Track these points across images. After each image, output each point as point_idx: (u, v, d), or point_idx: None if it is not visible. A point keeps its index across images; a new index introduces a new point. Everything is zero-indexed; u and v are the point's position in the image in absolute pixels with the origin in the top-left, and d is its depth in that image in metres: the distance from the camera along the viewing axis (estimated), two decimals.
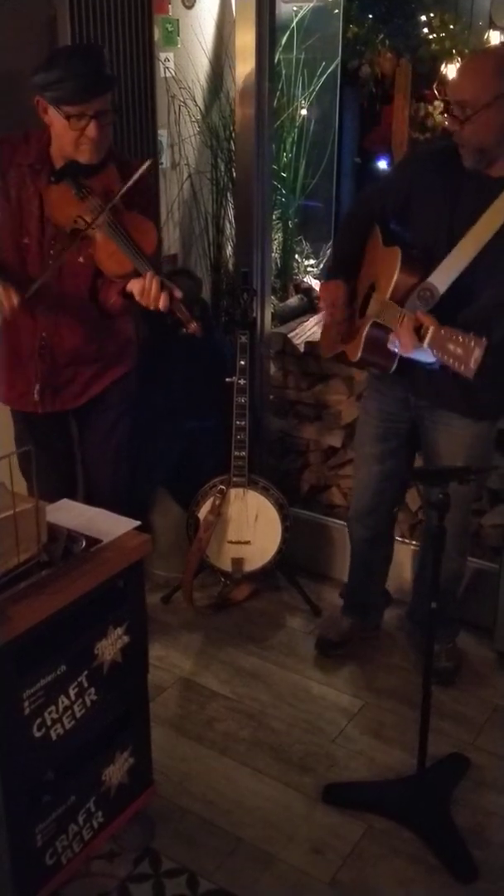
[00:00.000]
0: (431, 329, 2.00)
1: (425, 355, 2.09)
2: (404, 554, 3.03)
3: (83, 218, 2.24)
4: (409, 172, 2.46)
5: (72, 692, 1.82)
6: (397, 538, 3.08)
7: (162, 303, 2.18)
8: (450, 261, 2.21)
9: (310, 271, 3.96)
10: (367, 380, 2.71)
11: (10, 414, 2.61)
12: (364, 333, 2.34)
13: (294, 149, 3.80)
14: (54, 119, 2.23)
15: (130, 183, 2.21)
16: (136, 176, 2.21)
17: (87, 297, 2.41)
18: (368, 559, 2.85)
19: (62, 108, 2.19)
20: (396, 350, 2.11)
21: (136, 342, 2.66)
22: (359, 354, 2.38)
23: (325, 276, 2.53)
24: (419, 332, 2.03)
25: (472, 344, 1.93)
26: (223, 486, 3.00)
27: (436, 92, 3.94)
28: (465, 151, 2.20)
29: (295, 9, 3.73)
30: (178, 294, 2.20)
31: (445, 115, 2.21)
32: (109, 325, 2.49)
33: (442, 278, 2.22)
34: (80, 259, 2.33)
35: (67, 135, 2.22)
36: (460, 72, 2.19)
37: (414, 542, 3.07)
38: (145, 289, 2.19)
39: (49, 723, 1.78)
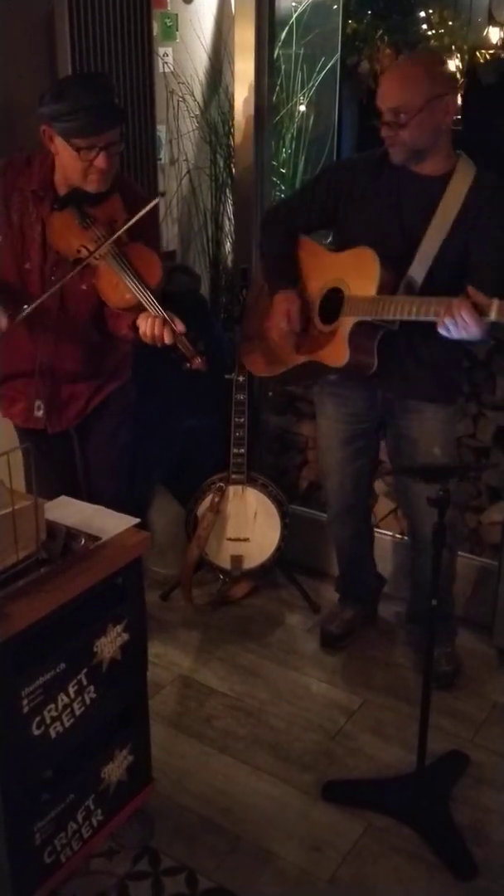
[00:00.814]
0: (496, 302, 2.04)
1: (479, 332, 2.10)
2: (404, 551, 3.02)
3: (86, 247, 2.22)
4: (333, 182, 2.45)
5: (71, 690, 1.82)
6: (396, 535, 3.09)
7: (167, 338, 2.15)
8: (421, 254, 2.29)
9: None
10: (319, 388, 2.67)
11: (14, 428, 2.60)
12: (347, 335, 2.34)
13: (293, 144, 3.79)
14: (61, 149, 2.18)
15: (135, 219, 2.18)
16: (140, 214, 2.17)
17: (88, 323, 2.39)
18: (355, 554, 2.89)
19: (72, 141, 2.14)
20: (448, 334, 2.12)
21: (133, 353, 2.64)
22: (346, 358, 2.35)
23: (269, 293, 2.55)
24: (478, 307, 2.06)
25: None
26: (222, 484, 2.99)
27: None
28: (398, 150, 2.28)
29: (294, 4, 3.72)
30: (181, 328, 2.16)
31: (381, 123, 2.27)
32: (109, 344, 2.47)
33: (418, 271, 2.30)
34: (83, 287, 2.31)
35: (75, 166, 2.18)
36: (390, 81, 2.25)
37: None
38: (147, 331, 2.17)
39: (48, 721, 1.77)
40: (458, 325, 2.08)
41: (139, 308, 2.19)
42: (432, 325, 2.16)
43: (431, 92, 2.19)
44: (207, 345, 2.70)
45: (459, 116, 3.98)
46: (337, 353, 2.38)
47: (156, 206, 2.35)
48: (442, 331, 2.12)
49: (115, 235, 2.19)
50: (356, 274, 2.34)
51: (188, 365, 2.19)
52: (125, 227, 2.19)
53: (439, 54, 2.63)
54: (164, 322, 2.15)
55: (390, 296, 2.27)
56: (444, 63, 2.37)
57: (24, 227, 2.30)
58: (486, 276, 2.23)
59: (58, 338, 2.39)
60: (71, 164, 2.19)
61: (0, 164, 2.32)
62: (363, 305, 2.31)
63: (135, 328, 2.24)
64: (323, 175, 2.55)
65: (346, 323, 2.35)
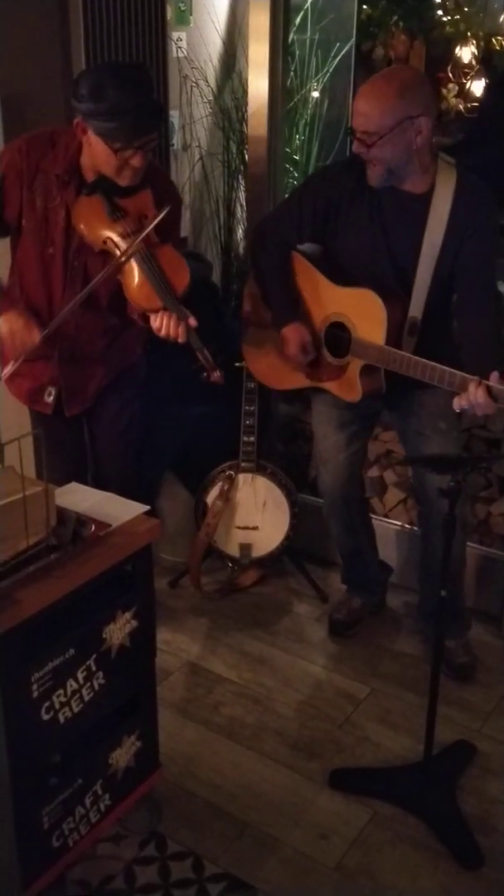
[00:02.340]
0: None
1: (493, 412, 2.17)
2: (412, 541, 3.02)
3: (113, 241, 2.20)
4: (321, 193, 2.41)
5: (80, 676, 1.82)
6: (406, 525, 3.08)
7: (181, 337, 2.19)
8: (417, 290, 2.32)
9: None
10: None
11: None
12: (358, 375, 2.41)
13: (307, 131, 3.76)
14: (95, 143, 2.13)
15: (162, 214, 2.18)
16: (163, 213, 2.18)
17: (107, 308, 2.38)
18: (351, 547, 2.88)
19: (108, 142, 2.10)
20: (460, 410, 2.20)
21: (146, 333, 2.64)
22: (360, 395, 2.43)
23: (274, 323, 2.55)
24: (491, 393, 2.12)
25: None
26: (232, 472, 2.99)
27: (450, 75, 3.91)
28: (372, 171, 2.26)
29: None
30: (193, 322, 2.19)
31: (354, 139, 2.26)
32: (125, 325, 2.46)
33: (417, 308, 2.34)
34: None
35: (109, 161, 2.14)
36: (362, 99, 2.20)
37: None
38: (162, 329, 2.19)
39: (57, 706, 1.78)
40: (474, 407, 2.14)
41: (161, 310, 2.20)
42: (432, 340, 2.35)
43: (403, 113, 2.14)
44: (218, 332, 2.70)
45: (476, 104, 3.96)
46: (350, 390, 2.46)
47: (179, 202, 2.36)
48: (456, 406, 2.18)
49: (144, 233, 2.17)
50: (362, 317, 2.37)
51: (206, 376, 2.26)
52: (153, 223, 2.18)
53: (420, 72, 2.56)
54: (182, 323, 2.18)
55: (401, 352, 2.30)
56: (423, 82, 2.26)
57: (48, 212, 2.26)
58: (474, 303, 2.31)
59: (78, 325, 2.38)
60: (105, 159, 2.15)
61: (22, 142, 2.26)
62: (372, 352, 2.36)
63: (145, 318, 2.24)
64: (307, 188, 2.49)
65: (356, 363, 2.41)
